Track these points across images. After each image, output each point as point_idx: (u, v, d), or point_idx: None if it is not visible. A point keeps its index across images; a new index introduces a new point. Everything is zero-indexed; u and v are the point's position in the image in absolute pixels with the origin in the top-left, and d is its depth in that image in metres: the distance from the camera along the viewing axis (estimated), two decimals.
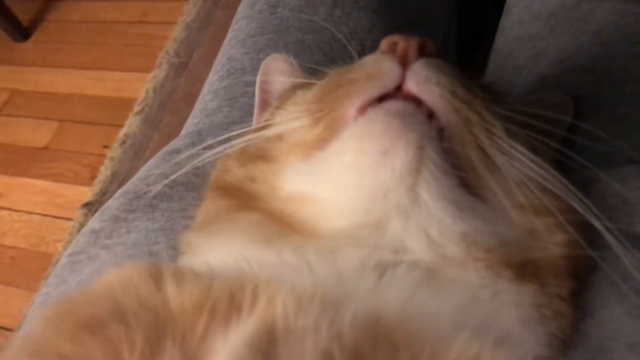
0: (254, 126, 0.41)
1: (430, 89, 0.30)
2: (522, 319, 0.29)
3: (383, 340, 0.23)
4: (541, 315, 0.29)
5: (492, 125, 0.30)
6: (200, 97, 0.59)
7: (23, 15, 1.73)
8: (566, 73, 0.47)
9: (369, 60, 0.33)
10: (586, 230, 0.31)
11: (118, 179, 1.30)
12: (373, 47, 0.34)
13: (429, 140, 0.28)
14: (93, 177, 1.34)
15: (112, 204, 0.48)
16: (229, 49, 0.60)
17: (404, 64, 0.31)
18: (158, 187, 0.46)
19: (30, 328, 0.25)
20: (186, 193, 0.46)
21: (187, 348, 0.22)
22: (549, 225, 0.31)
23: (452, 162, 0.29)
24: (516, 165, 0.30)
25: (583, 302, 0.33)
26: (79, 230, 0.52)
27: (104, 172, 1.33)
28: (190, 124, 0.56)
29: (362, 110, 0.30)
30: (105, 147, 1.39)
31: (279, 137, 0.35)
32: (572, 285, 0.31)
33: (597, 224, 0.30)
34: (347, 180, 0.30)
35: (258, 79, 0.47)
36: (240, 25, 0.61)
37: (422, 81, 0.30)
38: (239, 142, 0.36)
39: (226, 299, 0.24)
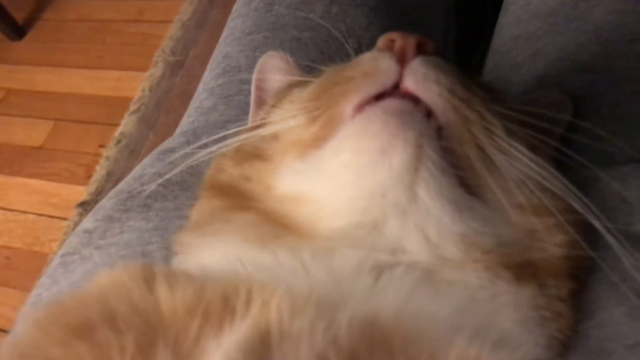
0: (249, 125, 0.41)
1: (428, 87, 0.29)
2: (521, 321, 0.28)
3: (380, 343, 0.22)
4: (540, 317, 0.29)
5: (491, 123, 0.30)
6: (195, 96, 0.59)
7: (18, 13, 1.72)
8: (565, 72, 0.47)
9: (366, 57, 0.32)
10: (585, 231, 0.31)
11: (114, 178, 1.29)
12: (370, 45, 0.34)
13: (428, 139, 0.28)
14: (89, 177, 1.33)
15: (106, 203, 0.47)
16: (225, 46, 0.59)
17: (402, 61, 0.30)
18: (152, 187, 0.45)
19: (19, 331, 0.24)
20: (180, 192, 0.46)
21: (179, 352, 0.22)
22: (548, 225, 0.31)
23: (450, 161, 0.29)
24: (515, 164, 0.29)
25: (582, 304, 0.32)
26: (74, 230, 0.52)
27: (100, 171, 1.32)
28: (185, 123, 0.56)
29: (360, 108, 0.30)
30: (101, 146, 1.38)
31: (275, 136, 0.34)
32: (572, 286, 0.31)
33: (596, 223, 0.30)
34: (344, 179, 0.29)
35: (254, 77, 0.47)
36: (236, 23, 0.61)
37: (420, 79, 0.29)
38: (234, 141, 0.36)
39: (219, 302, 0.24)
